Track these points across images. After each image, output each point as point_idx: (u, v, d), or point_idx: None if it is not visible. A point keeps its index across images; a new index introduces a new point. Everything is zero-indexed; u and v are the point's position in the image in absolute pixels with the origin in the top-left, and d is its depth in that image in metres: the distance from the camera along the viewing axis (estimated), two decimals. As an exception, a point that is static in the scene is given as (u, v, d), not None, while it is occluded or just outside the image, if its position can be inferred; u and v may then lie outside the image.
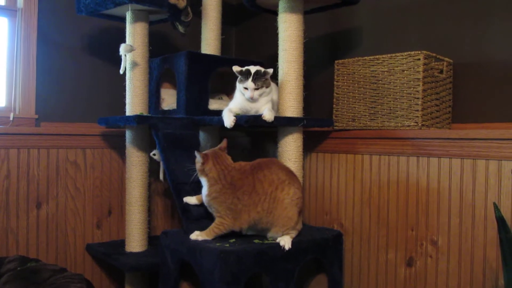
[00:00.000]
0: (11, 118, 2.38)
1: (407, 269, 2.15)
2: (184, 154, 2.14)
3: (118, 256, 2.32)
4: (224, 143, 2.02)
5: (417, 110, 2.07)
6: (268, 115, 2.07)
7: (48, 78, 2.49)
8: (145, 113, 2.39)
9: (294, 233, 1.96)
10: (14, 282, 1.96)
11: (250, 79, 2.09)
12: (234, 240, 1.90)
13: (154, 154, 2.46)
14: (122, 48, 2.27)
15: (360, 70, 2.28)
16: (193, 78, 2.40)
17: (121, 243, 2.50)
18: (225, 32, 2.78)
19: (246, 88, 2.11)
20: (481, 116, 2.12)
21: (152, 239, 2.51)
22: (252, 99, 2.11)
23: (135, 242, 2.41)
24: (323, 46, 2.74)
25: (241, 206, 1.88)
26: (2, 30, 2.44)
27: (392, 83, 2.16)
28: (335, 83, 2.39)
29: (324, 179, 2.49)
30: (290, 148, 2.25)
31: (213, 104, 2.51)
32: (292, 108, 2.24)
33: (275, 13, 2.30)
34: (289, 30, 2.21)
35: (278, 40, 2.25)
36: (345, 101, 2.35)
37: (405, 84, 2.12)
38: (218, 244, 1.83)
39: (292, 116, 2.23)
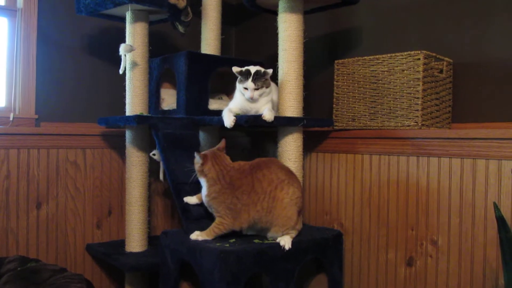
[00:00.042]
0: (11, 118, 2.38)
1: (407, 269, 2.15)
2: (184, 154, 2.14)
3: (118, 256, 2.32)
4: (222, 143, 2.02)
5: (417, 110, 2.07)
6: (268, 115, 2.07)
7: (48, 78, 2.49)
8: (145, 113, 2.39)
9: (294, 233, 1.96)
10: (14, 282, 1.96)
11: (250, 79, 2.09)
12: (234, 240, 1.90)
13: (154, 154, 2.46)
14: (122, 48, 2.27)
15: (360, 70, 2.28)
16: (193, 78, 2.40)
17: (121, 243, 2.50)
18: (225, 32, 2.78)
19: (246, 88, 2.11)
20: (481, 115, 2.12)
21: (152, 239, 2.51)
22: (252, 99, 2.11)
23: (135, 242, 2.41)
24: (323, 46, 2.74)
25: (240, 205, 1.88)
26: (2, 30, 2.44)
27: (392, 83, 2.16)
28: (335, 83, 2.39)
29: (324, 179, 2.49)
30: (290, 148, 2.25)
31: (213, 104, 2.51)
32: (292, 108, 2.24)
33: (275, 13, 2.30)
34: (289, 30, 2.21)
35: (278, 40, 2.25)
36: (345, 101, 2.35)
37: (405, 84, 2.12)
38: (218, 244, 1.83)
39: (292, 116, 2.23)
